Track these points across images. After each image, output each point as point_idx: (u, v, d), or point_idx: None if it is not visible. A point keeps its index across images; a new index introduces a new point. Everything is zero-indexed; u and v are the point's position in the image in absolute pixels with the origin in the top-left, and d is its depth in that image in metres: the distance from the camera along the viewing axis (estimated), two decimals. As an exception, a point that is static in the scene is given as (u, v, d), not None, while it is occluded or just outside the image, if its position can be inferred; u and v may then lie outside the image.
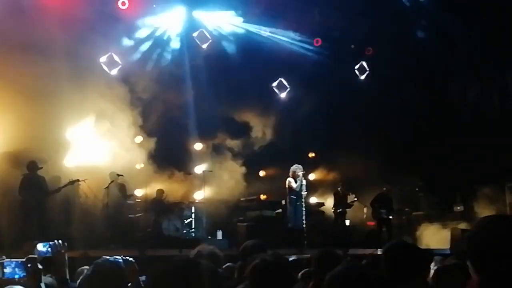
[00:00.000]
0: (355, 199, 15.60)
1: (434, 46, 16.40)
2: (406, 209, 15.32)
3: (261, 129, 16.92)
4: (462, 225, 14.07)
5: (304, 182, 13.97)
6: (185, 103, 15.91)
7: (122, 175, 13.74)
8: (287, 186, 14.06)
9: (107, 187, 13.35)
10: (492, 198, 14.83)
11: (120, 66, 15.43)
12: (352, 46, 17.66)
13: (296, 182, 13.90)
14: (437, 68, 16.50)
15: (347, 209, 15.58)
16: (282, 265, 3.44)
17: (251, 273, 3.40)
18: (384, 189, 15.15)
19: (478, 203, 14.83)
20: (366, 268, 3.18)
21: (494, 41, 15.06)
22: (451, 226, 14.34)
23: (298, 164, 14.12)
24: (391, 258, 4.15)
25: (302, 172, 14.02)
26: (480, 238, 2.17)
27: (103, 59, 15.33)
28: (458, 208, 15.63)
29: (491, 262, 2.11)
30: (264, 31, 16.96)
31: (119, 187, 13.75)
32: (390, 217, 15.00)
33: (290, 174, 14.07)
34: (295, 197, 14.03)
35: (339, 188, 15.65)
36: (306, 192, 14.12)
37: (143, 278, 3.62)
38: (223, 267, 5.27)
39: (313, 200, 16.54)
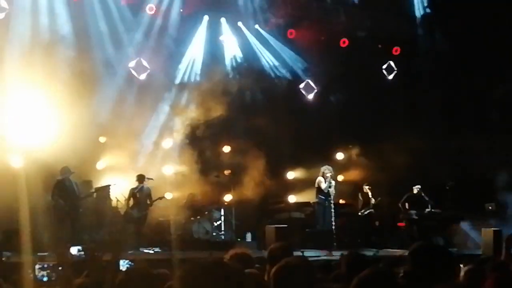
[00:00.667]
0: (379, 199, 15.53)
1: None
2: (436, 210, 15.06)
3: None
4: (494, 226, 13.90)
5: (333, 183, 14.09)
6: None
7: (152, 179, 13.92)
8: (316, 186, 14.23)
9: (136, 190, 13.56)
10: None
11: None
12: (379, 46, 17.59)
13: (325, 182, 14.00)
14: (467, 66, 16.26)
15: (373, 210, 15.51)
16: (305, 268, 3.44)
17: (274, 276, 3.43)
18: (415, 188, 15.01)
19: (510, 202, 14.61)
20: (392, 273, 3.21)
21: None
22: (482, 226, 14.16)
23: (328, 165, 14.20)
24: (416, 260, 4.16)
25: (331, 174, 14.13)
26: None
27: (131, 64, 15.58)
28: (490, 207, 15.40)
29: None
30: (290, 33, 17.04)
31: (147, 191, 13.88)
32: (419, 216, 14.85)
33: (320, 174, 14.25)
34: (324, 198, 14.14)
35: (365, 189, 15.60)
36: (334, 193, 14.16)
37: None
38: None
39: (342, 201, 16.49)
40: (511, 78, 15.46)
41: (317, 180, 14.32)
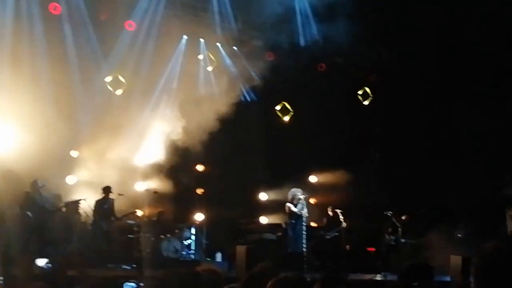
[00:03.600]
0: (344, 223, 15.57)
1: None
2: (404, 240, 15.09)
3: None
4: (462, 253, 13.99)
5: (305, 204, 14.01)
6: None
7: (122, 194, 13.79)
8: (287, 211, 14.07)
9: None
10: (493, 226, 14.80)
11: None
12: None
13: (296, 206, 13.93)
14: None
15: (340, 231, 15.53)
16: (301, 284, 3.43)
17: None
18: (389, 214, 15.08)
19: (478, 230, 14.77)
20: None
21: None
22: (451, 253, 14.25)
23: (297, 187, 14.17)
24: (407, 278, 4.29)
25: (303, 196, 14.08)
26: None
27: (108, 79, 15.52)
28: (459, 235, 15.54)
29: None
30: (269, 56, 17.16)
31: (111, 203, 13.71)
32: (397, 243, 14.90)
33: (289, 198, 14.09)
34: (294, 222, 14.05)
35: (330, 211, 15.61)
36: (307, 215, 14.11)
37: None
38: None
39: (313, 224, 16.48)
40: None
41: (286, 205, 14.11)
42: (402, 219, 15.06)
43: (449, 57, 15.79)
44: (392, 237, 14.85)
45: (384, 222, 15.10)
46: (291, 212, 13.96)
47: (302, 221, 14.02)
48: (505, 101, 15.07)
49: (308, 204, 14.84)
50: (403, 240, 14.94)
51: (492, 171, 15.14)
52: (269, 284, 3.41)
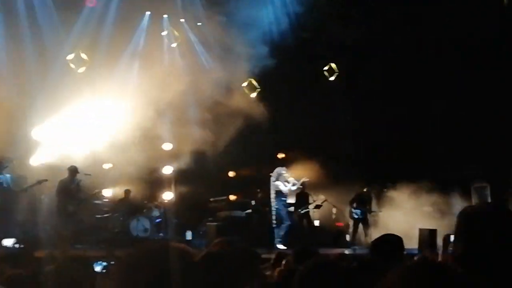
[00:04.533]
0: (325, 199, 15.61)
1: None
2: (376, 210, 15.25)
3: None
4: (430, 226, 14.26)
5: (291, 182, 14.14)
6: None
7: (89, 174, 13.52)
8: (275, 190, 14.04)
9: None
10: (459, 199, 15.07)
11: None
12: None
13: (284, 185, 14.04)
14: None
15: (314, 209, 15.59)
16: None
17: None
18: (364, 190, 15.22)
19: (445, 204, 15.04)
20: (336, 262, 3.19)
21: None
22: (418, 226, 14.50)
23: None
24: (376, 249, 4.29)
25: (287, 174, 14.18)
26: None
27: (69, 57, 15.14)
28: (425, 208, 15.78)
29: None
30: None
31: (79, 184, 13.44)
32: (365, 216, 15.01)
33: (274, 177, 14.09)
34: (284, 199, 14.21)
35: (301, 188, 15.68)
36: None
37: None
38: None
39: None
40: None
41: (274, 184, 14.09)
42: (364, 191, 15.18)
43: (416, 33, 15.89)
44: (358, 211, 14.94)
45: (356, 197, 15.22)
46: (279, 191, 13.99)
47: (286, 198, 14.17)
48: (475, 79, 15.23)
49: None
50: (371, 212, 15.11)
51: (460, 149, 15.37)
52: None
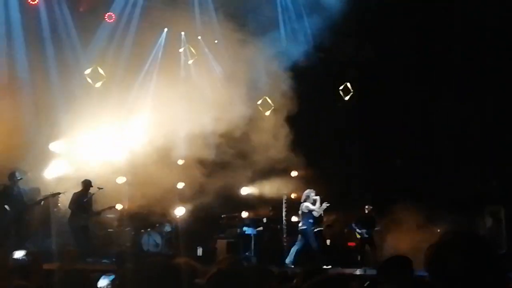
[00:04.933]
0: (336, 219, 15.59)
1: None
2: (380, 228, 15.07)
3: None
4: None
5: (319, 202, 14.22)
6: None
7: (102, 188, 13.60)
8: (305, 211, 14.19)
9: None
10: (471, 221, 14.94)
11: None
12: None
13: (313, 205, 14.15)
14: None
15: (325, 228, 15.55)
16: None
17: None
18: (366, 207, 15.15)
19: (456, 226, 14.90)
20: (343, 279, 3.21)
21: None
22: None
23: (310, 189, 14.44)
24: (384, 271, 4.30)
25: (317, 196, 14.32)
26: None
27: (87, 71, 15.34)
28: (438, 230, 15.65)
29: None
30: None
31: (91, 198, 13.54)
32: (371, 237, 14.95)
33: (303, 198, 14.29)
34: (312, 221, 14.21)
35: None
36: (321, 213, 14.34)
37: None
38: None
39: (294, 219, 16.47)
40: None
41: (304, 206, 14.22)
42: (366, 212, 15.09)
43: (429, 54, 15.90)
44: (364, 230, 14.86)
45: (359, 217, 15.17)
46: (309, 213, 14.10)
47: (314, 219, 14.22)
48: (487, 98, 15.16)
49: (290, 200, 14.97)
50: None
51: (473, 169, 15.27)
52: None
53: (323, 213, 15.41)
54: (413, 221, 15.15)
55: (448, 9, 15.39)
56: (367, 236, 14.87)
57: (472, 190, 14.93)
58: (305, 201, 14.24)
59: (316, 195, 14.28)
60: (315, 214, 14.16)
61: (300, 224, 14.40)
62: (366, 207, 15.13)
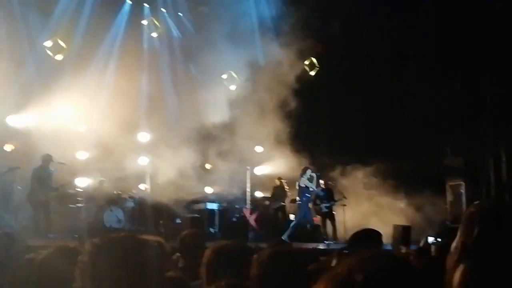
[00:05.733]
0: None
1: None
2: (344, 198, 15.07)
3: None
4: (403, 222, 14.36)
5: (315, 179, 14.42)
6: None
7: (63, 163, 13.32)
8: (302, 186, 14.36)
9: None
10: (433, 196, 15.17)
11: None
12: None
13: (311, 182, 14.36)
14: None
15: (290, 203, 15.61)
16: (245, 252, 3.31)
17: (210, 258, 3.26)
18: (322, 181, 15.15)
19: (419, 200, 15.13)
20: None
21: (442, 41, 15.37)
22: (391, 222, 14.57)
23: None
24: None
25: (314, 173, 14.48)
26: None
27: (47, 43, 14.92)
28: (401, 205, 15.86)
29: None
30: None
31: (51, 173, 13.25)
32: (328, 209, 15.01)
33: (301, 173, 14.43)
34: (309, 196, 14.43)
35: (278, 182, 15.68)
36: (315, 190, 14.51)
37: None
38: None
39: (258, 194, 16.50)
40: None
41: (301, 180, 14.38)
42: (328, 183, 15.16)
43: (398, 33, 15.95)
44: (323, 204, 14.88)
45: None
46: (306, 187, 14.31)
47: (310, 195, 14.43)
48: (451, 75, 15.28)
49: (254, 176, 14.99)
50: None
51: (433, 143, 15.44)
52: (207, 252, 3.29)
53: (289, 188, 15.50)
54: (376, 196, 15.32)
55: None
56: (326, 210, 14.89)
57: (434, 166, 15.09)
58: (302, 176, 14.34)
59: (313, 172, 14.40)
60: (311, 189, 14.35)
61: (297, 199, 14.59)
62: (322, 181, 15.10)
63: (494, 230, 2.26)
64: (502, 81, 14.33)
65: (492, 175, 14.81)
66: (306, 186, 14.33)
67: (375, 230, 4.48)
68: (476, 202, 2.52)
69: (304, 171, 14.43)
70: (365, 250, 1.45)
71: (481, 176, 14.97)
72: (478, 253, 1.94)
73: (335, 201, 14.77)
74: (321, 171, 15.26)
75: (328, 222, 14.72)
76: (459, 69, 15.00)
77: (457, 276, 1.63)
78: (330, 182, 15.17)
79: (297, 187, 14.58)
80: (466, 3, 14.35)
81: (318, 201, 14.84)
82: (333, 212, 14.78)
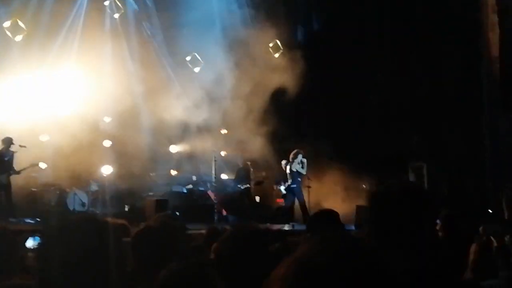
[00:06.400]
0: (266, 177, 15.72)
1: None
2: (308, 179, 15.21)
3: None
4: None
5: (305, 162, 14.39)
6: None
7: (25, 146, 13.10)
8: (294, 170, 14.30)
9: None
10: (394, 177, 15.41)
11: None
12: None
13: (300, 165, 14.30)
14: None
15: (255, 185, 15.69)
16: (167, 231, 3.34)
17: (133, 239, 3.29)
18: (283, 162, 15.26)
19: (382, 182, 15.35)
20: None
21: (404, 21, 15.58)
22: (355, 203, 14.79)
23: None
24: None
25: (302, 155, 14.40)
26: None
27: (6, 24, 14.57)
28: (364, 186, 16.08)
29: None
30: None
31: (12, 156, 13.03)
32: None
33: (292, 157, 14.33)
34: (300, 179, 14.40)
35: (244, 165, 15.75)
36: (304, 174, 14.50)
37: None
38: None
39: (224, 176, 16.52)
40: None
41: (292, 165, 14.33)
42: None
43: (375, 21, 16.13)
44: (282, 186, 15.05)
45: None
46: (298, 172, 14.27)
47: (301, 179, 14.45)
48: (410, 57, 15.51)
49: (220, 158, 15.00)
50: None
51: (397, 126, 15.66)
52: (134, 232, 3.33)
53: (253, 170, 15.58)
54: (338, 177, 15.49)
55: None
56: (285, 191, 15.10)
57: (396, 148, 15.31)
58: (293, 160, 14.33)
59: (303, 157, 14.39)
60: (303, 172, 14.40)
61: (289, 183, 14.51)
62: (283, 162, 15.20)
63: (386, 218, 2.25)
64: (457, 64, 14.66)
65: (452, 157, 15.12)
66: (297, 171, 14.42)
67: (333, 211, 4.53)
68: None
69: (295, 155, 14.37)
70: (325, 233, 1.49)
71: (441, 158, 15.26)
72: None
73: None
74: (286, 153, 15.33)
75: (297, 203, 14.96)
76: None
77: None
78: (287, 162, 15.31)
79: (288, 171, 14.50)
80: None
81: (281, 182, 15.01)
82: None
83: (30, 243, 7.60)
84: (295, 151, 14.47)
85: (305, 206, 14.27)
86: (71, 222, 2.31)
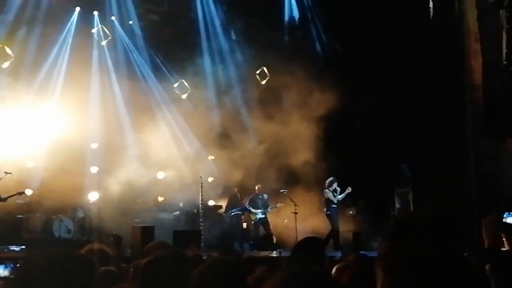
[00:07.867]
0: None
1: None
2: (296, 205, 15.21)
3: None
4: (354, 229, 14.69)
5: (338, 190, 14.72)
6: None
7: (10, 173, 13.02)
8: (325, 198, 14.72)
9: None
10: (382, 202, 15.50)
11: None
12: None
13: (332, 194, 14.65)
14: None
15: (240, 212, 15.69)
16: (177, 260, 3.34)
17: (142, 269, 3.30)
18: (257, 187, 15.36)
19: (367, 207, 15.44)
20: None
21: (389, 48, 15.80)
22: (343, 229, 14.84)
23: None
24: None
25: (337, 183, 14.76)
26: None
27: None
28: (351, 212, 16.15)
29: None
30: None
31: None
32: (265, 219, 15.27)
33: (327, 186, 14.73)
34: (335, 206, 14.73)
35: (236, 190, 15.77)
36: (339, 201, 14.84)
37: None
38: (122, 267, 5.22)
39: (211, 202, 16.48)
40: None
41: (325, 192, 14.74)
42: (259, 189, 15.40)
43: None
44: (258, 210, 15.11)
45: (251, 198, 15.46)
46: (330, 200, 14.61)
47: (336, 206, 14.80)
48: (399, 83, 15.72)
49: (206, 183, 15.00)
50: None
51: (382, 152, 15.77)
52: (143, 262, 3.33)
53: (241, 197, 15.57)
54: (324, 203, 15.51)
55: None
56: (263, 216, 15.15)
57: (381, 173, 15.42)
58: (328, 188, 14.67)
59: (338, 185, 14.71)
60: (335, 200, 14.70)
61: (325, 210, 14.83)
62: (257, 186, 15.29)
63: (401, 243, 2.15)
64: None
65: (437, 183, 15.23)
66: (328, 198, 14.64)
67: (318, 238, 4.59)
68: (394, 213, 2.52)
69: (330, 184, 14.72)
70: (295, 267, 1.53)
71: (427, 184, 15.36)
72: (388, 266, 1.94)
73: (269, 208, 15.28)
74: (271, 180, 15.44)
75: (261, 229, 15.13)
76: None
77: None
78: (282, 190, 15.37)
79: (323, 199, 14.89)
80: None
81: (252, 206, 15.08)
82: (267, 220, 15.34)
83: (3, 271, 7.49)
84: (330, 179, 14.81)
85: (337, 233, 14.51)
86: (51, 256, 2.32)
